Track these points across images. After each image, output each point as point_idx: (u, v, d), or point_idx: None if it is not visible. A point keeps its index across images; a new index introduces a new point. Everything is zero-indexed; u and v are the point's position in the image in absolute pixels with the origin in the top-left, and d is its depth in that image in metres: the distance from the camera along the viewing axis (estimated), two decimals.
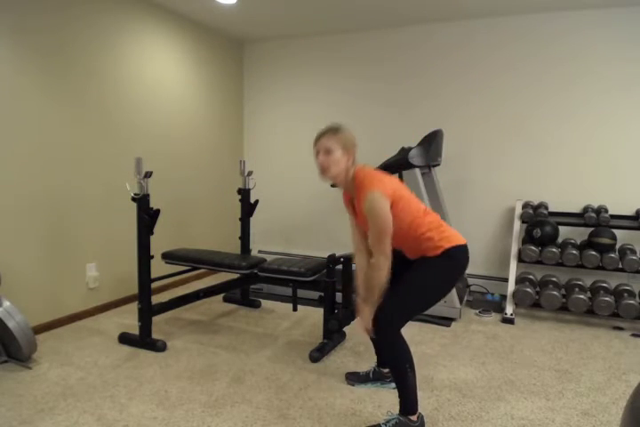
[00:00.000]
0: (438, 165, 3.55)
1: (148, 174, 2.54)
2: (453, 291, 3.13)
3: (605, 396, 2.22)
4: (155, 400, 2.11)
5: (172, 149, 3.87)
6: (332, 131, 1.91)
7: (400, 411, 1.85)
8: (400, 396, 1.84)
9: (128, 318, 3.16)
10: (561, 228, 3.40)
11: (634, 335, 3.03)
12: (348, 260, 2.70)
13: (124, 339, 2.75)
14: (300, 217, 4.59)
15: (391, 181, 1.87)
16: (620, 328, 3.14)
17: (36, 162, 2.81)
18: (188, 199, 4.10)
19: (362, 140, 4.20)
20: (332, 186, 2.26)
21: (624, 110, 3.45)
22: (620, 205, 3.49)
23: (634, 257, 3.09)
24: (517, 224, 3.59)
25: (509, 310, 3.29)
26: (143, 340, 2.67)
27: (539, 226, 3.34)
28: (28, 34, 2.70)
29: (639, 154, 3.44)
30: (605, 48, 3.45)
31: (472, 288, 3.82)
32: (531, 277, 3.42)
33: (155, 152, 3.68)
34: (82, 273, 3.16)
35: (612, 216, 3.37)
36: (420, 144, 3.28)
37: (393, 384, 2.16)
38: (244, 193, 3.47)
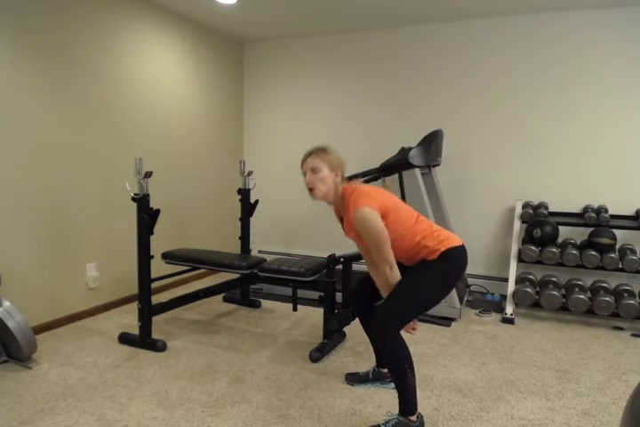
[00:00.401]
0: (438, 165, 3.55)
1: (148, 174, 2.54)
2: (453, 291, 3.12)
3: (605, 396, 2.22)
4: (155, 400, 2.11)
5: (172, 149, 3.87)
6: (318, 151, 1.95)
7: (400, 411, 1.85)
8: (399, 396, 1.84)
9: (128, 318, 3.17)
10: (561, 228, 3.40)
11: (634, 335, 3.03)
12: (348, 260, 2.70)
13: (124, 339, 2.75)
14: (300, 217, 4.59)
15: (378, 193, 1.88)
16: (620, 328, 3.14)
17: (36, 162, 2.81)
18: (188, 199, 4.10)
19: (362, 140, 4.28)
20: None
21: (624, 110, 3.45)
22: (620, 205, 3.49)
23: (634, 257, 3.09)
24: (517, 224, 3.59)
25: (509, 310, 3.29)
26: (143, 340, 2.67)
27: (539, 226, 3.34)
28: (28, 34, 2.70)
29: (639, 154, 3.44)
30: (605, 48, 3.45)
31: (472, 288, 3.82)
32: (531, 277, 3.42)
33: (155, 152, 3.68)
34: (82, 273, 3.16)
35: (612, 216, 3.37)
36: (419, 144, 3.28)
37: (392, 384, 2.15)
38: (244, 193, 3.47)
